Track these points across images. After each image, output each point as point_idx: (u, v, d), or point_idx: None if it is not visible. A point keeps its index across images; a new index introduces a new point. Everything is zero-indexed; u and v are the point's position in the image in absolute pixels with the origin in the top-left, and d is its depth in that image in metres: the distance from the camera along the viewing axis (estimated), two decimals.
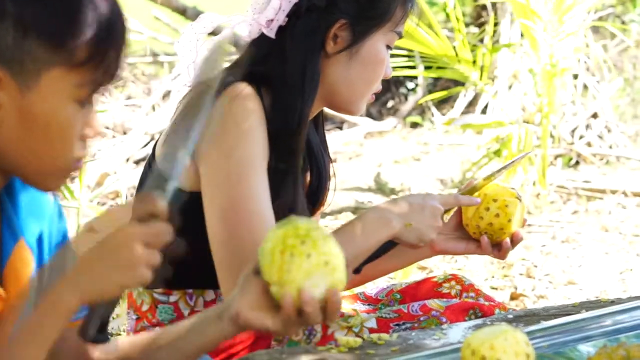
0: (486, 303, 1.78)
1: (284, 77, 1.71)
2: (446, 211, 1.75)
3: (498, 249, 1.78)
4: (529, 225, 4.33)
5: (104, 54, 1.15)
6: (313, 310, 1.26)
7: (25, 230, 1.26)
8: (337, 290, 1.28)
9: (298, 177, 1.75)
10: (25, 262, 1.25)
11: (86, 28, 1.13)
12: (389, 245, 1.75)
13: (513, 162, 1.95)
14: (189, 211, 1.70)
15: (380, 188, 5.01)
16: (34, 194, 1.28)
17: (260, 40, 1.74)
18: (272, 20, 1.72)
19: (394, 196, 4.78)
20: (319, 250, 1.27)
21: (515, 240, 1.78)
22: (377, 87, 1.80)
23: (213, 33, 1.85)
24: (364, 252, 1.69)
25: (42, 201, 1.30)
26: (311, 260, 1.26)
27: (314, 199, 1.88)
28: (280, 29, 1.72)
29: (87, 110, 1.18)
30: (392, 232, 1.69)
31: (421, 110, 6.55)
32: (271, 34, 1.72)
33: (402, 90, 6.75)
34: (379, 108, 6.64)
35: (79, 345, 1.32)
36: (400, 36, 1.79)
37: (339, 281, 1.29)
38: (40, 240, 1.29)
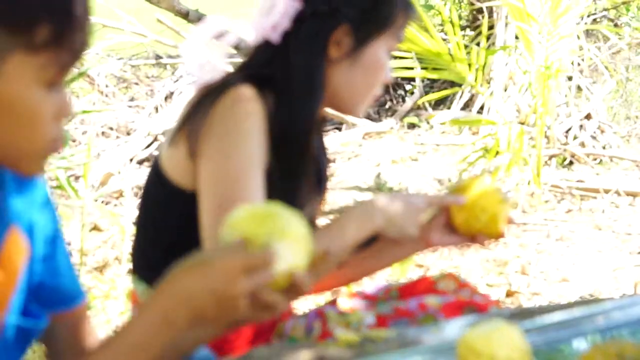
0: (482, 301, 1.80)
1: (288, 80, 1.71)
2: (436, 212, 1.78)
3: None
4: (524, 224, 4.37)
5: (65, 35, 1.11)
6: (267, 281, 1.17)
7: (17, 216, 1.24)
8: (303, 273, 1.20)
9: (308, 180, 1.76)
10: (19, 248, 1.23)
11: (44, 9, 1.09)
12: (371, 241, 1.77)
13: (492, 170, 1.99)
14: (190, 211, 1.72)
15: (379, 188, 5.03)
16: (23, 180, 1.26)
17: (265, 44, 1.74)
18: (276, 24, 1.72)
19: None
20: (297, 222, 1.20)
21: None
22: (378, 90, 1.82)
23: (218, 36, 1.87)
24: (348, 245, 1.71)
25: (31, 187, 1.27)
26: (290, 223, 1.18)
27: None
28: (285, 34, 1.72)
29: (57, 91, 1.15)
30: (375, 227, 1.71)
31: (418, 111, 6.58)
32: (275, 38, 1.73)
33: (400, 91, 6.78)
34: (377, 109, 6.68)
35: (76, 333, 1.35)
36: (400, 41, 1.80)
37: (301, 264, 1.20)
38: (31, 228, 1.27)
